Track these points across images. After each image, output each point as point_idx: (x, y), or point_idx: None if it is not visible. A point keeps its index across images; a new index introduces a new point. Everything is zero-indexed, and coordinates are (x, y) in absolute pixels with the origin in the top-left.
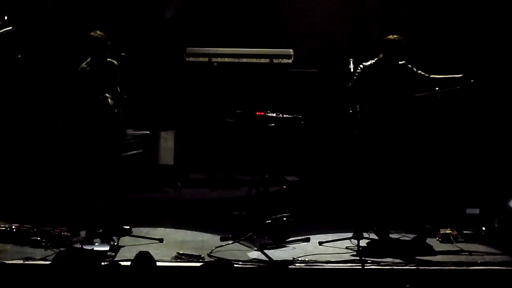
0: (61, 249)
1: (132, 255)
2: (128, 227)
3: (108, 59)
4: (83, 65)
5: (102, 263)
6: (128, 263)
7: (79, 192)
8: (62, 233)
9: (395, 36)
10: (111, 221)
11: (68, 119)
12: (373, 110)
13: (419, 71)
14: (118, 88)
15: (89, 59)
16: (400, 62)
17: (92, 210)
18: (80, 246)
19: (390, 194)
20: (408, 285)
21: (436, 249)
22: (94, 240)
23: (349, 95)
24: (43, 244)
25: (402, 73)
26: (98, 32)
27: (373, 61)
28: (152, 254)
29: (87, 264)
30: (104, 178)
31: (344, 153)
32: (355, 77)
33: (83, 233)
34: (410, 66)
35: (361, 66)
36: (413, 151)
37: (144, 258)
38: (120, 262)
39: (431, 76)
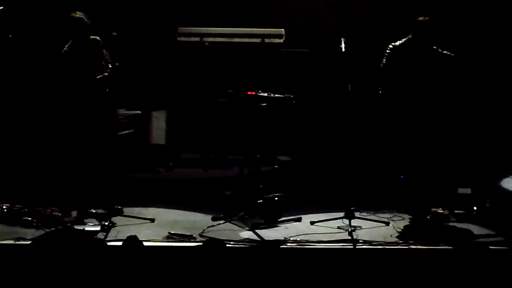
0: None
1: (123, 235)
2: (119, 207)
3: (92, 36)
4: (65, 48)
5: (91, 243)
6: (119, 243)
7: (70, 172)
8: (54, 213)
9: (426, 17)
10: (103, 200)
11: (59, 100)
12: (400, 91)
13: (444, 51)
14: (104, 63)
15: (71, 41)
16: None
17: (83, 190)
18: (71, 226)
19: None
20: (397, 267)
21: (427, 228)
22: (86, 220)
23: (381, 76)
24: (34, 224)
25: (430, 55)
26: (78, 12)
27: (402, 41)
28: (143, 234)
29: (76, 244)
30: (96, 158)
31: (336, 132)
32: (385, 58)
33: (74, 213)
34: (435, 47)
35: (391, 46)
36: (435, 133)
37: (131, 242)
38: (109, 243)
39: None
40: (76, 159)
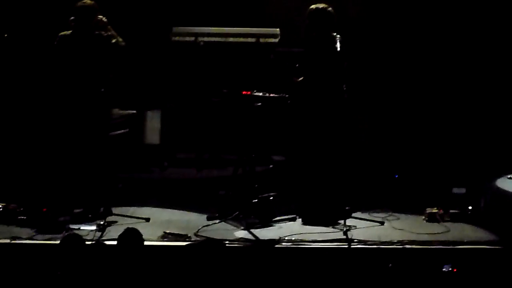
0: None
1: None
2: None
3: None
4: (65, 32)
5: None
6: (114, 243)
7: (65, 172)
8: (49, 213)
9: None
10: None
11: (53, 99)
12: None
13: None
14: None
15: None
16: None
17: (79, 190)
18: (67, 226)
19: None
20: (390, 265)
21: (423, 228)
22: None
23: None
24: (29, 223)
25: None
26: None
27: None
28: None
29: (72, 244)
30: (91, 158)
31: (331, 132)
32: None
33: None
34: (337, 41)
35: None
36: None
37: (131, 235)
38: (105, 242)
39: None
40: (70, 158)
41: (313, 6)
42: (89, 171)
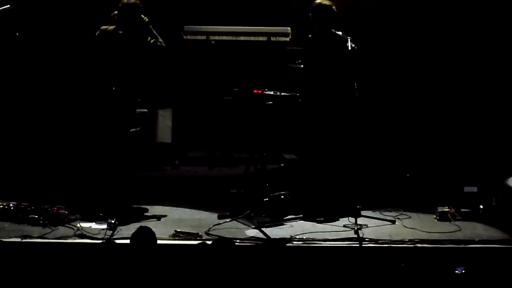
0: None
1: (129, 234)
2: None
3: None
4: (107, 27)
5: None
6: (126, 241)
7: (79, 169)
8: (60, 211)
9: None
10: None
11: (66, 97)
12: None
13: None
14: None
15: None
16: (337, 32)
17: (92, 188)
18: (78, 224)
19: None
20: (403, 264)
21: (434, 227)
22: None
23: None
24: (40, 222)
25: (337, 44)
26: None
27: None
28: None
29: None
30: (108, 155)
31: (342, 131)
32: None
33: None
34: (348, 40)
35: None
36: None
37: (145, 233)
38: (116, 240)
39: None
40: (85, 156)
41: (317, 1)
42: (103, 169)
